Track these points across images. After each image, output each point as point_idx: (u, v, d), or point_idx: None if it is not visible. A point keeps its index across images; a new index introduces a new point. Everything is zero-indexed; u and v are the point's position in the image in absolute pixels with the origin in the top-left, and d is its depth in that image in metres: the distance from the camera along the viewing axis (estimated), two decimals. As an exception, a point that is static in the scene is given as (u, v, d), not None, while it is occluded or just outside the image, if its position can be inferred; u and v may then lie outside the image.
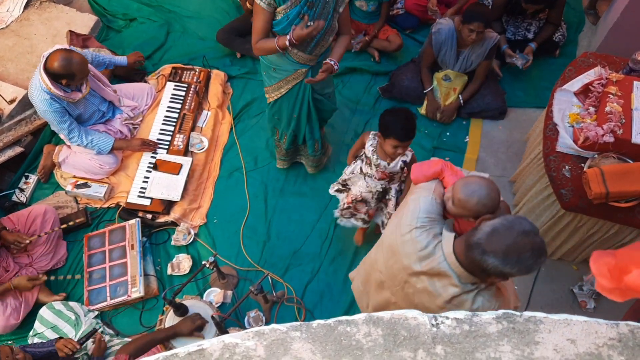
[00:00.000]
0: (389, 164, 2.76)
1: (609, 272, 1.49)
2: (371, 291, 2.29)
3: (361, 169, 2.92)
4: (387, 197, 2.99)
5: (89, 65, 3.49)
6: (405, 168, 2.81)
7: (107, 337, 2.98)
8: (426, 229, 1.88)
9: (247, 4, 4.17)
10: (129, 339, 3.03)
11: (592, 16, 4.49)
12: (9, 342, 3.19)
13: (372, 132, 2.83)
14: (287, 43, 2.70)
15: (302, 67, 2.93)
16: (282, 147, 3.56)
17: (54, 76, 3.18)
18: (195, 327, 2.72)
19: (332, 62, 2.83)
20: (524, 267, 1.60)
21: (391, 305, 2.13)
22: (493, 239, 1.62)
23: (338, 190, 3.18)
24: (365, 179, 2.91)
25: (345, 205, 3.13)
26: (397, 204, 2.96)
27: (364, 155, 2.87)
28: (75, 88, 3.34)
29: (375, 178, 2.86)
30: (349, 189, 3.08)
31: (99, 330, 3.00)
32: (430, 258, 1.83)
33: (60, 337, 2.82)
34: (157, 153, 3.74)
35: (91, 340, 2.84)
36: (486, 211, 1.86)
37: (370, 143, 2.80)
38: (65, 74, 3.17)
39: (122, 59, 3.93)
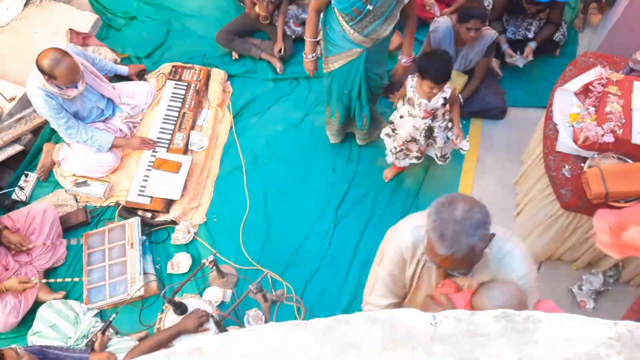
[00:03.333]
0: (429, 101, 2.98)
1: (609, 228, 1.50)
2: None
3: (408, 111, 3.12)
4: (433, 135, 3.20)
5: (86, 62, 3.49)
6: (447, 104, 3.06)
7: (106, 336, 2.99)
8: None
9: (256, 9, 4.16)
10: (128, 338, 3.04)
11: (581, 21, 4.47)
12: (10, 342, 3.20)
13: (410, 75, 3.06)
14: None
15: (357, 46, 3.02)
16: (335, 123, 3.66)
17: (39, 68, 3.19)
18: (200, 323, 2.73)
19: (404, 62, 3.12)
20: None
21: None
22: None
23: (387, 135, 3.38)
24: (411, 119, 3.12)
25: (398, 148, 3.36)
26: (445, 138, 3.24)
27: (407, 98, 3.09)
28: (70, 85, 3.34)
29: (419, 117, 3.08)
30: (397, 133, 3.29)
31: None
32: None
33: (93, 350, 2.81)
34: (157, 151, 3.74)
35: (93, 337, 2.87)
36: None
37: (410, 85, 3.03)
38: (47, 72, 3.18)
39: (123, 69, 3.99)
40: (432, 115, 3.09)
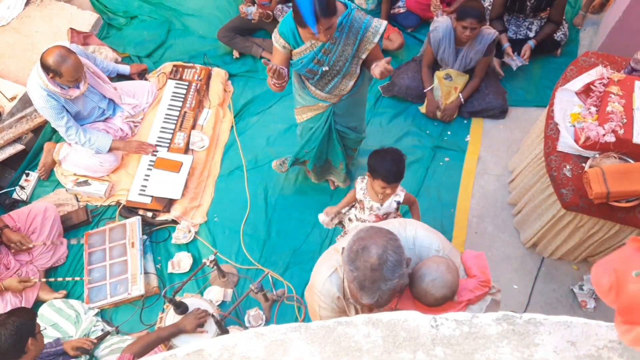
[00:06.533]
0: (381, 205, 2.77)
1: (609, 289, 1.38)
2: None
3: (355, 216, 2.93)
4: None
5: (88, 62, 3.49)
6: (399, 210, 2.84)
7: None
8: None
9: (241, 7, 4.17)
10: (129, 337, 3.04)
11: (580, 18, 4.48)
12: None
13: (360, 177, 2.84)
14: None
15: (322, 101, 2.93)
16: (307, 166, 3.53)
17: (43, 66, 3.18)
18: (198, 323, 2.73)
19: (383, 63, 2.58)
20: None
21: None
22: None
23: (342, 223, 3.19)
24: (360, 225, 2.89)
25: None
26: None
27: (356, 202, 2.88)
28: (73, 85, 3.34)
29: (369, 222, 2.83)
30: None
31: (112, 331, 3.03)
32: None
33: (58, 338, 2.83)
34: (157, 151, 3.74)
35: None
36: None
37: (360, 187, 2.81)
38: (53, 69, 3.17)
39: (124, 69, 3.99)
40: (384, 219, 2.84)
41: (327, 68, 2.67)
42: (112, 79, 3.89)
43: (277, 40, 2.63)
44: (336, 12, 2.43)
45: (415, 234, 1.92)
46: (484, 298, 1.89)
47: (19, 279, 3.08)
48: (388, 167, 2.59)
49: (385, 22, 2.65)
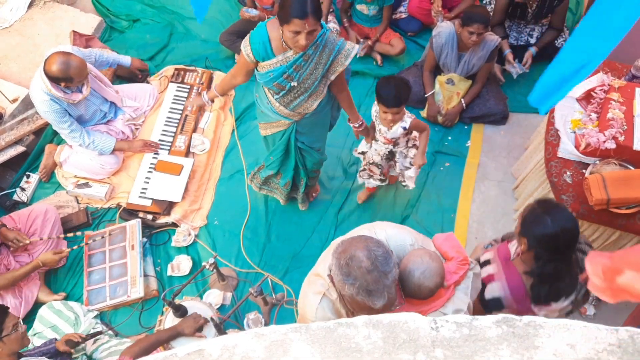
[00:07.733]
0: (388, 130, 2.91)
1: (602, 272, 1.50)
2: None
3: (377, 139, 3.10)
4: (395, 158, 3.17)
5: (90, 66, 3.50)
6: (408, 134, 3.01)
7: (105, 337, 2.98)
8: None
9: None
10: (127, 339, 3.03)
11: None
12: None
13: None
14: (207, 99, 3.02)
15: (284, 118, 2.94)
16: (259, 178, 3.56)
17: (52, 79, 3.19)
18: (197, 327, 2.72)
19: (356, 126, 3.01)
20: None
21: None
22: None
23: (361, 153, 3.34)
24: (373, 143, 3.08)
25: (362, 167, 3.40)
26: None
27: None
28: (75, 89, 3.35)
29: (381, 142, 3.06)
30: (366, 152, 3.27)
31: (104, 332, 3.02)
32: None
33: (53, 338, 2.83)
34: (158, 154, 3.75)
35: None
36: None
37: (375, 109, 2.96)
38: (63, 77, 3.19)
39: (125, 59, 3.97)
40: (393, 142, 3.05)
41: (295, 84, 2.69)
42: (113, 82, 3.90)
43: (245, 47, 2.63)
44: (320, 21, 2.46)
45: (386, 234, 1.95)
46: (467, 275, 1.94)
47: (53, 251, 3.13)
48: (387, 91, 2.73)
49: (357, 47, 2.70)
